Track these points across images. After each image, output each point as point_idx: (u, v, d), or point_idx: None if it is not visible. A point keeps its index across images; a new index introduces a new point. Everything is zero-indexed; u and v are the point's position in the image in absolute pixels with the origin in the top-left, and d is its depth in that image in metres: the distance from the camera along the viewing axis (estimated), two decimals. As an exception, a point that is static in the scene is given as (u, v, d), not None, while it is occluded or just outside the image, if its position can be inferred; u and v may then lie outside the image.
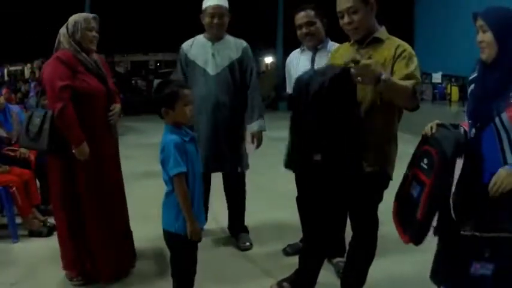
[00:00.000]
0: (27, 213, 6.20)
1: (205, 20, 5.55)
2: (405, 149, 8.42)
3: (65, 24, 4.73)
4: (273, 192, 7.56)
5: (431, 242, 3.44)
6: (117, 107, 4.90)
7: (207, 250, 4.74)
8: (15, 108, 7.42)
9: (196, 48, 5.66)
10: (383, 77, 3.27)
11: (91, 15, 4.78)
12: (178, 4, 25.45)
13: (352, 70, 3.31)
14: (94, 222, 4.75)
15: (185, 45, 5.73)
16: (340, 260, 4.99)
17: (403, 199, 3.63)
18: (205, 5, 5.52)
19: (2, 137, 6.79)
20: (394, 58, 3.65)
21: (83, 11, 19.64)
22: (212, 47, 5.61)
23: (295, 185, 5.12)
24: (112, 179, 4.92)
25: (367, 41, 3.79)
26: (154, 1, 26.89)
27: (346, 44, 4.07)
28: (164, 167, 3.64)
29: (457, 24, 16.33)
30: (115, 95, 4.96)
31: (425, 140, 3.55)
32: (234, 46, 5.69)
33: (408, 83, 3.47)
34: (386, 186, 3.97)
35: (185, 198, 3.61)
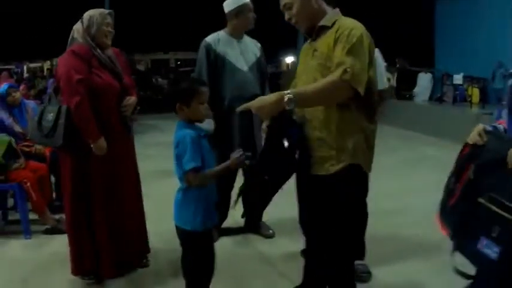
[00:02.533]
0: (41, 210, 6.14)
1: (244, 16, 5.57)
2: (427, 150, 8.34)
3: (80, 19, 4.67)
4: (291, 192, 7.41)
5: (449, 244, 3.31)
6: (132, 98, 4.80)
7: (223, 250, 4.62)
8: (31, 104, 7.41)
9: (224, 44, 5.62)
10: (286, 99, 3.15)
11: (106, 11, 4.71)
12: (198, 3, 25.34)
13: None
14: (102, 221, 4.68)
15: (211, 40, 5.65)
16: (360, 263, 4.86)
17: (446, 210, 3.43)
18: (240, 2, 5.53)
19: (17, 132, 6.73)
20: (334, 44, 3.36)
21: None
22: (238, 44, 5.64)
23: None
24: (125, 177, 4.83)
25: (315, 32, 3.58)
26: (175, 0, 26.82)
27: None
28: (179, 162, 3.52)
29: (479, 25, 16.17)
30: (131, 90, 4.87)
31: (473, 152, 3.26)
32: (254, 45, 5.80)
33: (330, 77, 3.25)
34: (362, 180, 3.66)
35: (213, 177, 3.60)
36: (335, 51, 3.32)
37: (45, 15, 25.67)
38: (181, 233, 3.69)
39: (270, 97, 3.23)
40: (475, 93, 16.96)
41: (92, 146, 4.46)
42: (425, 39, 19.77)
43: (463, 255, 3.18)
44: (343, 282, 3.72)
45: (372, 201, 4.64)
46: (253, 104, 3.26)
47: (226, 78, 5.51)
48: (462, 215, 3.19)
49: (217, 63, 5.56)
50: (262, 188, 3.73)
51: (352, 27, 3.34)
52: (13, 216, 6.73)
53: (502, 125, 3.30)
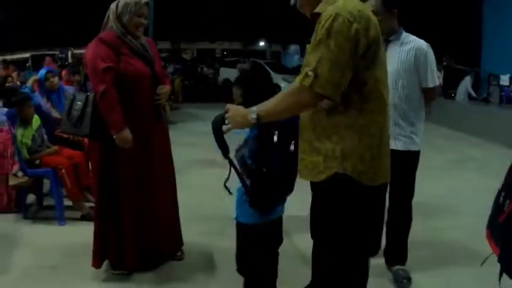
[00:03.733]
0: (76, 197, 6.13)
1: None
2: (472, 152, 8.10)
3: (116, 1, 4.55)
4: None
5: (493, 255, 3.14)
6: (165, 87, 4.69)
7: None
8: (70, 90, 7.37)
9: None
10: (250, 117, 2.97)
11: (143, 1, 4.52)
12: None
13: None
14: (128, 214, 4.59)
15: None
16: (400, 268, 4.75)
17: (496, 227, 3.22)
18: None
19: (54, 118, 6.71)
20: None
21: None
22: None
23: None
24: (157, 168, 4.69)
25: (312, 20, 3.08)
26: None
27: None
28: None
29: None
30: (164, 78, 4.78)
31: None
32: None
33: (293, 84, 2.87)
34: (357, 192, 3.02)
35: None
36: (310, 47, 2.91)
37: (90, 2, 25.89)
38: (241, 227, 3.74)
39: (240, 111, 3.09)
40: (521, 95, 16.64)
41: (114, 137, 4.35)
42: (473, 39, 19.45)
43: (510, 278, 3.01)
44: None
45: (418, 202, 4.56)
46: (229, 110, 3.17)
47: None
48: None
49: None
50: (266, 181, 3.55)
51: (327, 14, 2.81)
52: (48, 201, 6.73)
53: None
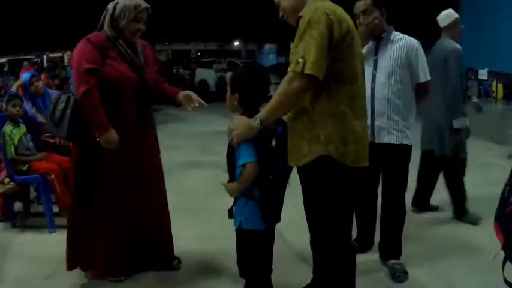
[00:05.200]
0: (65, 203, 6.00)
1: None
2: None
3: (115, 1, 4.44)
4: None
5: (489, 246, 3.15)
6: (186, 92, 4.76)
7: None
8: (54, 94, 7.25)
9: None
10: (254, 124, 3.32)
11: (144, 5, 4.42)
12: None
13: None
14: (99, 221, 4.52)
15: None
16: (396, 263, 4.78)
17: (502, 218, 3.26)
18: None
19: (40, 123, 6.62)
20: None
21: None
22: None
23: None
24: (141, 175, 4.58)
25: (296, 24, 3.45)
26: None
27: None
28: None
29: (505, 19, 16.03)
30: (161, 84, 4.79)
31: None
32: None
33: (284, 80, 3.23)
34: (340, 173, 3.37)
35: None
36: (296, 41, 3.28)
37: (64, 5, 25.73)
38: (246, 234, 3.72)
39: (244, 125, 3.40)
40: (499, 88, 16.80)
41: (98, 139, 4.28)
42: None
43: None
44: (324, 281, 3.63)
45: (407, 197, 4.67)
46: (233, 127, 3.44)
47: None
48: None
49: None
50: (273, 188, 3.63)
51: (307, 12, 3.27)
52: (35, 208, 6.63)
53: None
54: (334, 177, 3.34)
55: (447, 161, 5.99)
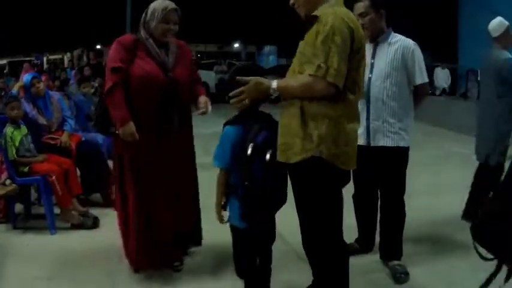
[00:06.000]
0: (66, 205, 6.03)
1: None
2: (453, 147, 8.03)
3: (149, 5, 4.65)
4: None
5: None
6: (203, 98, 4.80)
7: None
8: (55, 95, 7.29)
9: None
10: (271, 89, 3.39)
11: (170, 7, 4.59)
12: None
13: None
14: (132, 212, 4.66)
15: None
16: (397, 263, 4.78)
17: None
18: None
19: (41, 124, 6.63)
20: (316, 36, 3.31)
21: (124, 4, 20.12)
22: None
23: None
24: (161, 175, 4.63)
25: (307, 21, 3.50)
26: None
27: None
28: None
29: (504, 19, 16.02)
30: (196, 85, 4.89)
31: None
32: None
33: (307, 72, 3.29)
34: (330, 174, 3.41)
35: None
36: (315, 43, 3.28)
37: (65, 8, 25.73)
38: (235, 231, 3.81)
39: (261, 85, 3.44)
40: (499, 89, 16.76)
41: (117, 131, 4.45)
42: (449, 34, 19.58)
43: None
44: (327, 281, 3.65)
45: (407, 197, 4.67)
46: (252, 80, 3.46)
47: None
48: None
49: None
50: (250, 194, 3.61)
51: (326, 16, 3.29)
52: (36, 210, 6.62)
53: None
54: (324, 178, 3.41)
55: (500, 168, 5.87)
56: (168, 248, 4.76)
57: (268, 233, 3.91)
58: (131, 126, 4.40)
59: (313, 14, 3.40)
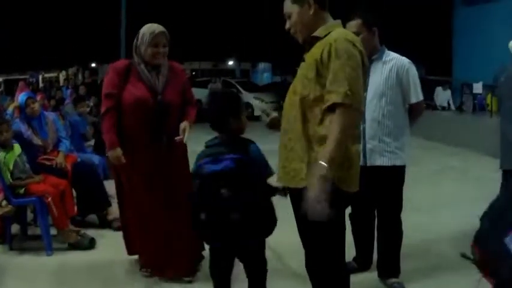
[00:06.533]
0: (63, 226, 5.97)
1: None
2: (450, 161, 8.08)
3: (139, 30, 4.82)
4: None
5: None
6: (183, 124, 4.79)
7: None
8: (50, 115, 7.27)
9: None
10: (325, 170, 3.08)
11: (159, 30, 4.75)
12: (215, 13, 25.35)
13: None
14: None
15: None
16: (395, 281, 4.76)
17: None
18: None
19: (36, 145, 6.61)
20: (321, 62, 3.25)
21: (119, 22, 20.64)
22: None
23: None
24: (156, 192, 4.80)
25: (308, 42, 3.47)
26: (190, 10, 26.92)
27: None
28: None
29: (497, 33, 16.10)
30: (187, 106, 4.99)
31: None
32: None
33: (332, 124, 3.16)
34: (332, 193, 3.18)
35: None
36: (330, 68, 3.20)
37: (61, 27, 25.79)
38: None
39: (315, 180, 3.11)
40: (494, 102, 16.83)
41: (107, 154, 4.83)
42: (444, 49, 19.65)
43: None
44: None
45: (404, 214, 4.68)
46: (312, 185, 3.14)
47: None
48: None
49: None
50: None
51: (333, 38, 3.24)
52: (33, 231, 6.57)
53: None
54: (331, 202, 3.19)
55: None
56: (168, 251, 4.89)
57: (229, 250, 3.98)
58: (118, 151, 4.64)
59: (314, 35, 3.39)
